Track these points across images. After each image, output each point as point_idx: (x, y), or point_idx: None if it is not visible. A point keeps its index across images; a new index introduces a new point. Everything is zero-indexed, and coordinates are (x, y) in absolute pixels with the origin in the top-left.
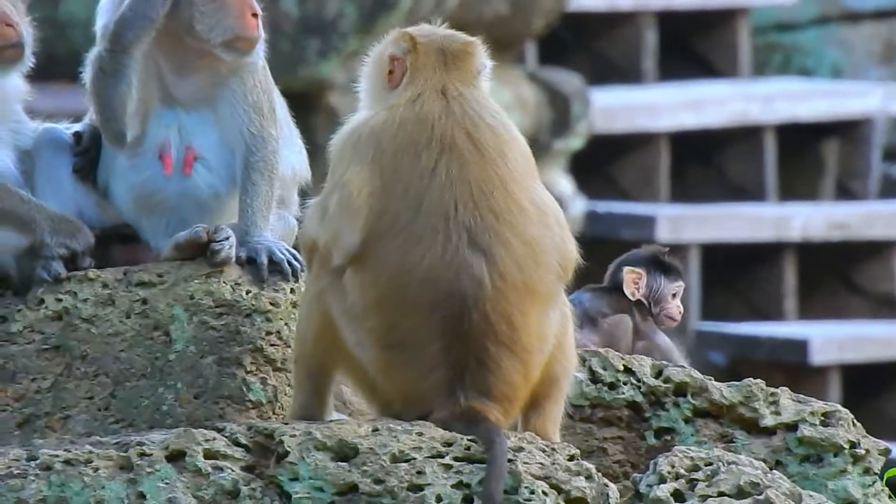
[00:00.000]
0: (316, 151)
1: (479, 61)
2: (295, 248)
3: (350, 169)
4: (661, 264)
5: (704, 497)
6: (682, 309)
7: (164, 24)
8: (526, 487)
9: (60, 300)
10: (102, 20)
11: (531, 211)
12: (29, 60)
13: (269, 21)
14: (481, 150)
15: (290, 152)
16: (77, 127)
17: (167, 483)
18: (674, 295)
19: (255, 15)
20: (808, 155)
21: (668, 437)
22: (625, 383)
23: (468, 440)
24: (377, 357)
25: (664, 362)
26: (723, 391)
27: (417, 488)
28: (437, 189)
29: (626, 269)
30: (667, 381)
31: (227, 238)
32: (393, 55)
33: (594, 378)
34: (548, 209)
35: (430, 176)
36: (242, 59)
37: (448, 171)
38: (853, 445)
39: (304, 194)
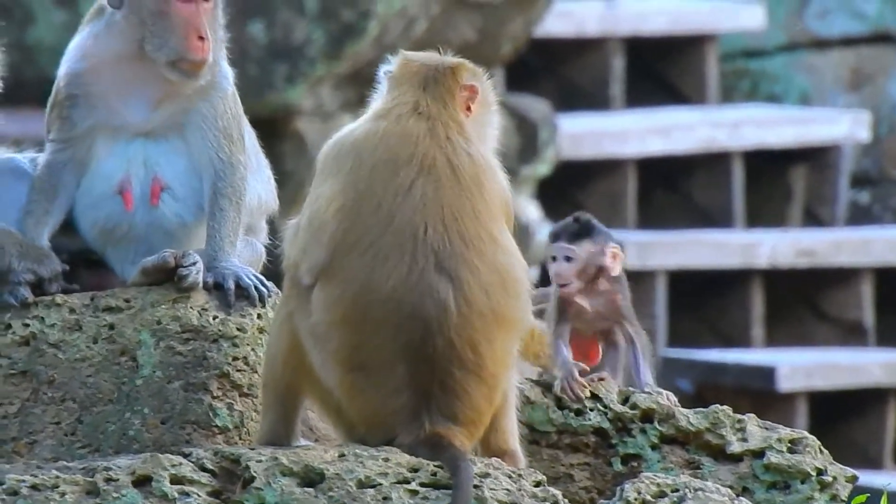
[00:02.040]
0: (283, 177)
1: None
2: (263, 274)
3: (326, 182)
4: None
5: None
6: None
7: (124, 55)
8: None
9: (27, 325)
10: (64, 66)
11: (502, 242)
12: None
13: (236, 46)
14: (458, 177)
15: (257, 182)
16: (39, 156)
17: None
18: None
19: (201, 38)
20: (775, 181)
21: (635, 464)
22: (591, 409)
23: (434, 466)
24: (341, 379)
25: (630, 388)
26: (689, 418)
27: None
28: (409, 208)
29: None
30: (633, 407)
31: (195, 263)
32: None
33: (560, 404)
34: (515, 252)
35: (404, 194)
36: (188, 80)
37: (423, 192)
38: (820, 472)
39: (271, 223)
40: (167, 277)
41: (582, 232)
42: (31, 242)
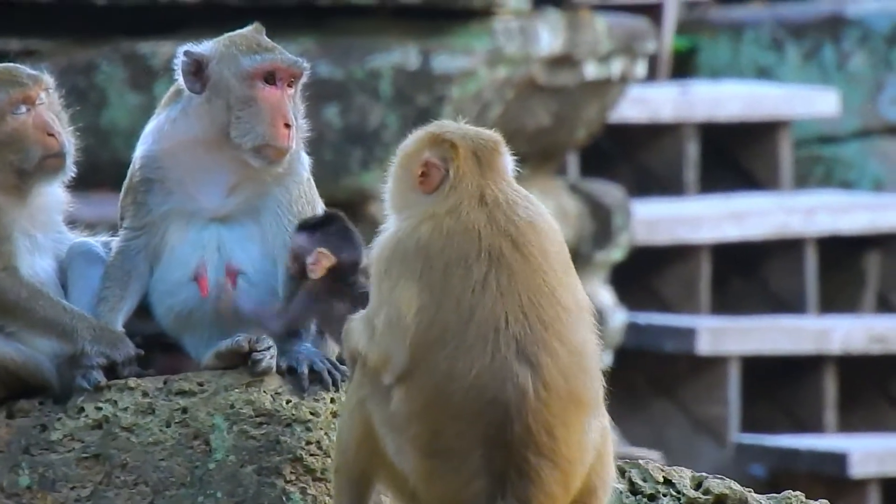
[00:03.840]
0: None
1: (506, 156)
2: (338, 359)
3: (399, 285)
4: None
5: None
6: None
7: (201, 139)
8: None
9: (100, 409)
10: (140, 149)
11: (576, 313)
12: (71, 170)
13: (312, 130)
14: (526, 256)
15: None
16: (113, 240)
17: None
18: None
19: (287, 125)
20: (849, 267)
21: None
22: (664, 495)
23: None
24: (419, 465)
25: (703, 474)
26: (762, 503)
27: None
28: (488, 302)
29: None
30: (706, 492)
31: (269, 348)
32: (430, 161)
33: (634, 489)
34: (587, 307)
35: (480, 289)
36: (270, 167)
37: (498, 283)
38: None
39: None
40: (241, 361)
41: (307, 224)
42: (105, 326)
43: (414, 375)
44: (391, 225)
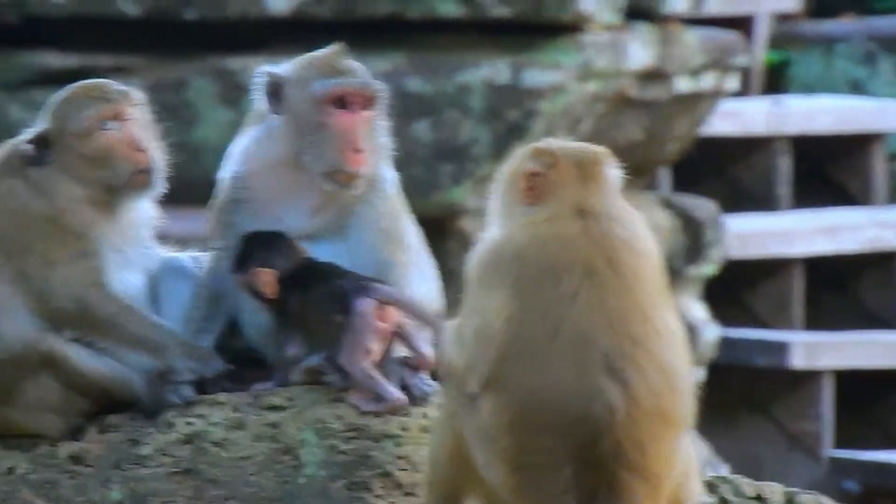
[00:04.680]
0: (448, 276)
1: (611, 170)
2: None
3: (490, 294)
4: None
5: None
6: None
7: (283, 161)
8: None
9: (191, 424)
10: (227, 170)
11: (666, 335)
12: (160, 186)
13: (402, 146)
14: (619, 275)
15: (421, 281)
16: (203, 256)
17: None
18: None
19: (357, 150)
20: None
21: None
22: None
23: None
24: (508, 479)
25: (795, 490)
26: None
27: None
28: (576, 316)
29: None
30: None
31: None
32: (532, 171)
33: None
34: (678, 332)
35: (570, 302)
36: (342, 191)
37: (588, 298)
38: None
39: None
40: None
41: (236, 260)
42: (194, 342)
43: (501, 388)
44: (488, 233)
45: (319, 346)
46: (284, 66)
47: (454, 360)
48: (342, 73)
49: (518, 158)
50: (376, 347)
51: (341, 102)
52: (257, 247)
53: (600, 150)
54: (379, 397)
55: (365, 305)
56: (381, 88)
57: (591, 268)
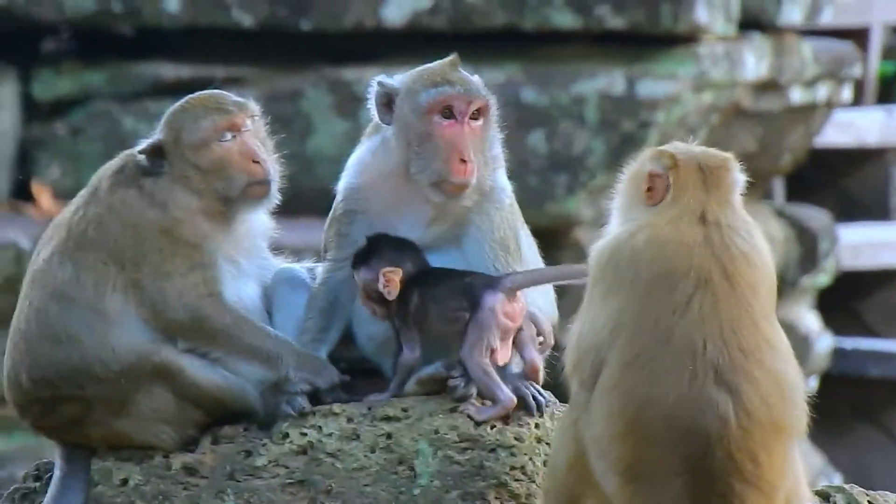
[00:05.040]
0: (563, 287)
1: (735, 176)
2: (543, 384)
3: (604, 296)
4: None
5: None
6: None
7: (397, 172)
8: None
9: (305, 434)
10: (343, 181)
11: (778, 346)
12: (275, 197)
13: (516, 157)
14: (734, 286)
15: (536, 293)
16: (317, 266)
17: None
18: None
19: (463, 160)
20: None
21: None
22: None
23: None
24: (621, 489)
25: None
26: None
27: None
28: (687, 325)
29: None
30: None
31: (465, 374)
32: (653, 172)
33: None
34: (786, 343)
35: (682, 311)
36: (450, 201)
37: (701, 307)
38: None
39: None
40: (442, 387)
41: (359, 259)
42: (309, 353)
43: (613, 396)
44: (610, 231)
45: (437, 351)
46: (397, 77)
47: (566, 361)
48: (450, 82)
49: (641, 159)
50: (499, 345)
51: (448, 112)
52: (385, 248)
53: (724, 154)
54: (492, 397)
55: (494, 300)
56: (491, 98)
57: (706, 276)
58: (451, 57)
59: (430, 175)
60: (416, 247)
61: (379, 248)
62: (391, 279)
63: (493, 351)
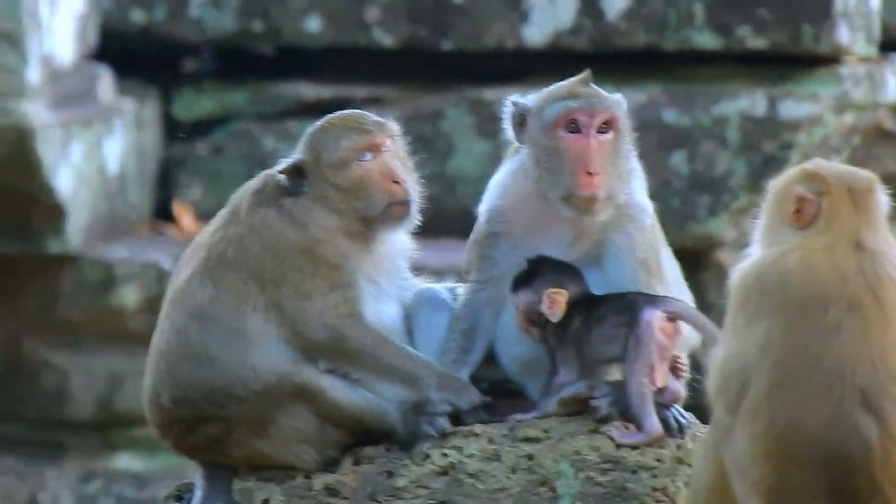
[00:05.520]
0: (705, 308)
1: (881, 198)
2: (684, 406)
3: (751, 319)
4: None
5: None
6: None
7: (535, 191)
8: None
9: (446, 455)
10: (485, 203)
11: None
12: (415, 217)
13: (658, 177)
14: (885, 311)
15: None
16: (458, 287)
17: None
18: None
19: (590, 173)
20: None
21: None
22: None
23: None
24: None
25: None
26: None
27: None
28: (837, 349)
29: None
30: None
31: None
32: (803, 195)
33: None
34: None
35: (833, 335)
36: (582, 216)
37: (851, 332)
38: None
39: (692, 357)
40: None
41: (520, 280)
42: (450, 373)
43: (758, 418)
44: (754, 253)
45: (591, 371)
46: (529, 97)
47: (710, 384)
48: (575, 96)
49: (788, 179)
50: (658, 363)
51: (573, 126)
52: (549, 269)
53: (870, 175)
54: (639, 422)
55: (652, 315)
56: (619, 111)
57: (856, 301)
58: (583, 73)
59: (558, 190)
60: (577, 270)
61: (542, 269)
62: (556, 300)
63: (652, 369)
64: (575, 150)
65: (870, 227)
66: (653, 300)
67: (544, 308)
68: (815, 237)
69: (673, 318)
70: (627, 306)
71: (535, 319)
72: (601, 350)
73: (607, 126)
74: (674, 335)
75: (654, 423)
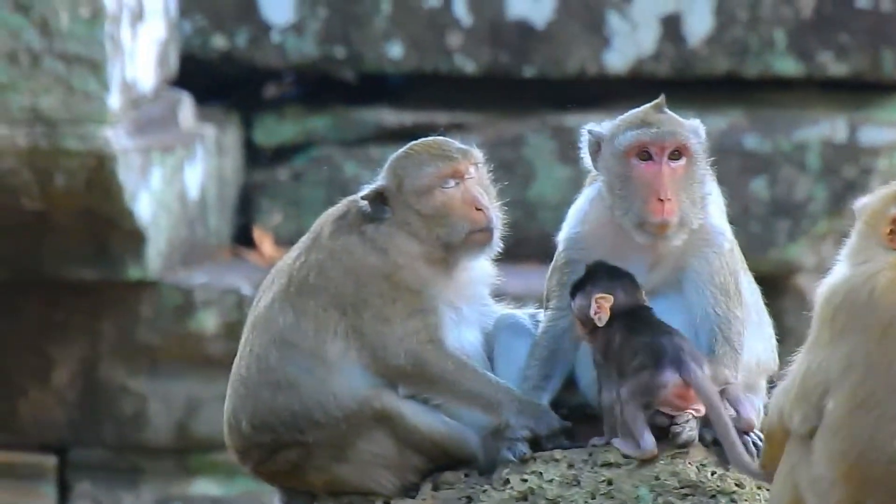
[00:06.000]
0: (784, 334)
1: None
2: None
3: (836, 337)
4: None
5: None
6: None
7: (612, 219)
8: None
9: (525, 480)
10: (564, 230)
11: None
12: (497, 245)
13: (739, 203)
14: None
15: (756, 341)
16: (539, 313)
17: None
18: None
19: (661, 200)
20: None
21: None
22: None
23: None
24: None
25: None
26: None
27: None
28: None
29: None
30: None
31: (688, 420)
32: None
33: None
34: None
35: None
36: (657, 242)
37: None
38: None
39: (771, 383)
40: (663, 434)
41: (576, 287)
42: (530, 399)
43: (837, 438)
44: (841, 270)
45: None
46: (604, 124)
47: (782, 402)
48: (647, 124)
49: (882, 200)
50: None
51: (645, 154)
52: (601, 274)
53: None
54: (635, 442)
55: (669, 379)
56: (693, 138)
57: None
58: (658, 99)
59: (632, 217)
60: (631, 278)
61: (595, 274)
62: (602, 305)
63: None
64: (646, 178)
65: None
66: (679, 360)
67: (592, 312)
68: None
69: (690, 384)
70: (656, 354)
71: (587, 325)
72: (626, 373)
73: (679, 153)
74: (690, 399)
75: (647, 442)
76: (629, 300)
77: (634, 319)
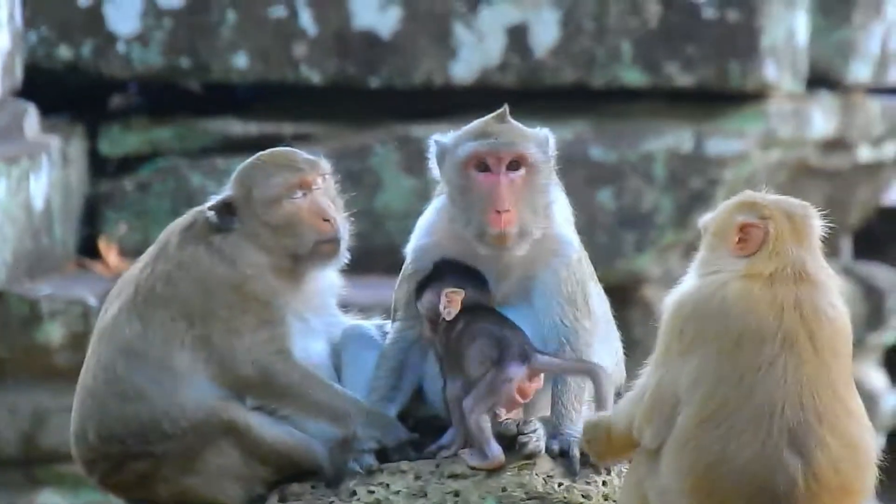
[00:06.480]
0: (631, 345)
1: (817, 223)
2: None
3: (685, 349)
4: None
5: None
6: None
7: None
8: None
9: (373, 492)
10: (413, 241)
11: (855, 411)
12: (345, 255)
13: (585, 213)
14: (818, 350)
15: (605, 352)
16: (386, 324)
17: None
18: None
19: (500, 210)
20: None
21: None
22: None
23: None
24: None
25: None
26: None
27: None
28: (769, 385)
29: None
30: None
31: (535, 430)
32: (748, 223)
33: None
34: (862, 409)
35: (766, 371)
36: (499, 253)
37: (785, 369)
38: None
39: (618, 394)
40: (511, 444)
41: (423, 284)
42: (377, 410)
43: (684, 450)
44: (690, 281)
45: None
46: (450, 135)
47: (633, 414)
48: (485, 135)
49: (726, 211)
50: (503, 413)
51: (483, 165)
52: (450, 271)
53: (804, 203)
54: (480, 450)
55: (517, 373)
56: (530, 148)
57: (792, 338)
58: (500, 110)
59: (472, 228)
60: (481, 276)
61: (444, 271)
62: (453, 299)
63: (494, 412)
64: (484, 189)
65: (813, 259)
66: (524, 355)
67: (441, 307)
68: (761, 264)
69: (537, 373)
70: (500, 346)
71: (432, 321)
72: (474, 370)
73: (518, 163)
74: (530, 393)
75: (494, 451)
76: (478, 297)
77: (480, 311)
